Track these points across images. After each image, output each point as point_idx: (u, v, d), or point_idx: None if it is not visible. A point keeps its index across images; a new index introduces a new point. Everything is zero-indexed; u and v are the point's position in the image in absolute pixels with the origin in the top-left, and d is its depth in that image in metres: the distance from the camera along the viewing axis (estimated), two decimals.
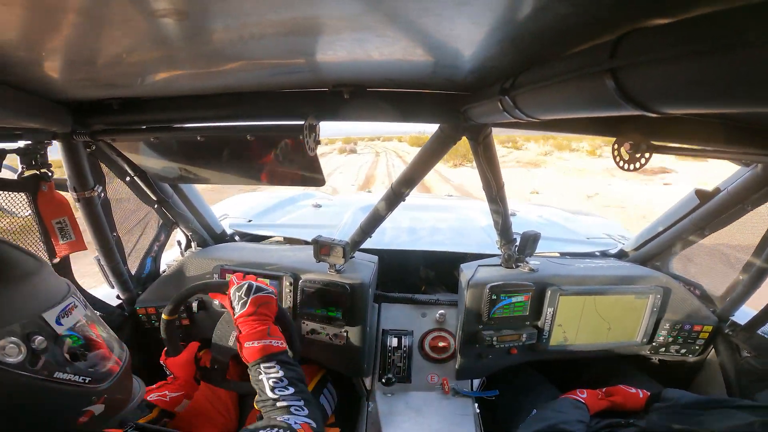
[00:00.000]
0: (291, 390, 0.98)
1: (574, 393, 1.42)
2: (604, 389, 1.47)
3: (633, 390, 1.42)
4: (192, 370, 1.41)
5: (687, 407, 1.22)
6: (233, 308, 1.17)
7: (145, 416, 1.22)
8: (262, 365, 1.04)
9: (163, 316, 1.34)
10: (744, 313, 1.63)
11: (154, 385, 1.38)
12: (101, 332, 0.76)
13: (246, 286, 1.18)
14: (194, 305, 1.66)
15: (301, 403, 0.96)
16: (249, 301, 1.15)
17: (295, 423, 0.87)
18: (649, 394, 1.38)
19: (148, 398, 1.28)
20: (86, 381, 0.67)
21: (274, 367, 1.03)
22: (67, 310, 0.67)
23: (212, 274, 1.66)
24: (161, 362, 1.41)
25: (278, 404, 0.95)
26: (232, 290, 1.19)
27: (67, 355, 0.65)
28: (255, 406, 1.00)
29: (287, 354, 1.10)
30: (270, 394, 0.97)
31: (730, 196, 1.43)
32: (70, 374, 0.64)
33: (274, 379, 1.00)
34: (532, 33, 0.58)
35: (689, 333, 1.66)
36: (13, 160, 1.17)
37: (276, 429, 0.82)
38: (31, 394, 0.61)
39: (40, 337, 0.61)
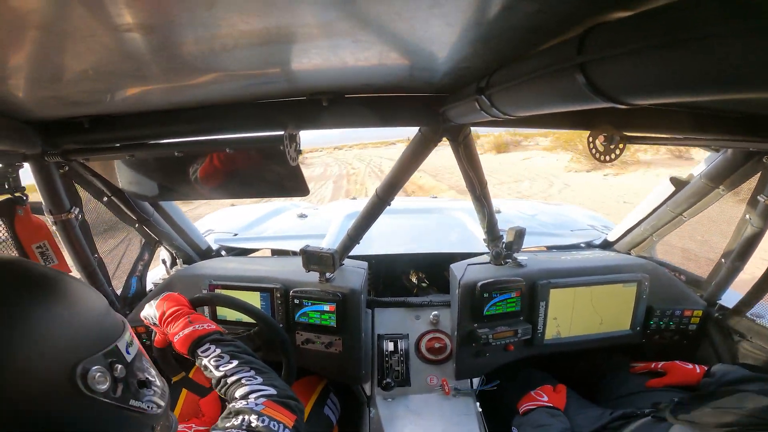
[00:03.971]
0: (234, 363, 0.95)
1: (532, 399, 1.43)
2: (661, 364, 1.51)
3: (689, 366, 1.45)
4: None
5: (725, 384, 1.28)
6: (155, 325, 1.16)
7: None
8: (197, 351, 1.01)
9: (173, 379, 1.33)
10: (730, 296, 1.66)
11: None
12: (149, 362, 0.77)
13: (146, 305, 1.19)
14: None
15: (251, 372, 0.93)
16: (154, 308, 1.15)
17: (256, 403, 0.83)
18: (705, 369, 1.41)
19: None
20: (152, 408, 0.69)
21: (210, 347, 1.00)
22: (131, 340, 0.69)
23: (201, 290, 1.63)
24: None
25: (228, 380, 0.92)
26: (142, 318, 1.18)
27: (137, 384, 0.67)
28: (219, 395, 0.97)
29: (219, 333, 1.07)
30: (216, 373, 0.94)
31: (703, 182, 1.48)
32: (140, 402, 0.66)
33: (214, 358, 0.97)
34: (503, 32, 0.60)
35: (680, 318, 1.69)
36: None
37: (240, 417, 0.78)
38: (109, 421, 0.62)
39: (120, 365, 0.63)
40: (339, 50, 0.68)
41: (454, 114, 0.98)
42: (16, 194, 1.18)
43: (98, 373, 0.59)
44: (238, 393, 0.87)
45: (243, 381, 0.90)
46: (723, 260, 1.56)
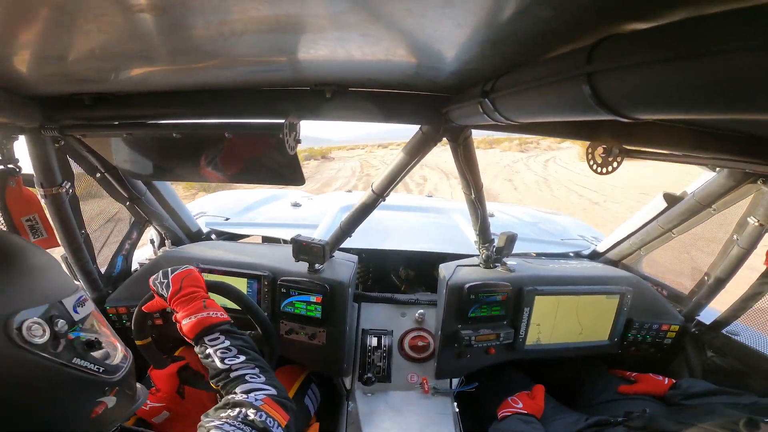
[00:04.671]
0: (242, 358, 0.94)
1: (508, 406, 1.46)
2: (634, 374, 1.60)
3: (659, 377, 1.54)
4: (175, 384, 1.38)
5: (690, 396, 1.36)
6: (161, 296, 1.10)
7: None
8: (205, 338, 0.98)
9: (136, 342, 1.28)
10: (709, 314, 1.69)
11: None
12: (107, 327, 0.78)
13: (161, 272, 1.12)
14: None
15: (256, 370, 0.92)
16: (170, 280, 1.09)
17: (256, 398, 0.83)
18: (673, 381, 1.49)
19: None
20: (100, 370, 0.69)
21: (219, 337, 0.98)
22: (81, 300, 0.70)
23: None
24: (148, 374, 1.36)
25: (232, 374, 0.90)
26: (151, 282, 1.13)
27: (84, 344, 0.68)
28: (212, 385, 0.95)
29: (230, 324, 1.04)
30: (220, 365, 0.92)
31: (696, 200, 1.50)
32: (86, 362, 0.67)
33: (221, 350, 0.95)
34: (513, 36, 0.60)
35: (657, 332, 1.72)
36: None
37: (237, 410, 0.78)
38: (51, 377, 0.62)
39: (62, 321, 0.64)
40: (346, 43, 0.67)
41: (456, 115, 0.98)
42: (9, 165, 1.16)
43: (34, 325, 0.59)
44: (240, 389, 0.87)
45: (247, 378, 0.90)
46: (706, 278, 1.59)
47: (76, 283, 0.74)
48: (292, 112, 1.01)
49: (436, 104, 1.06)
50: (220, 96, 1.04)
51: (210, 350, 0.96)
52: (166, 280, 1.09)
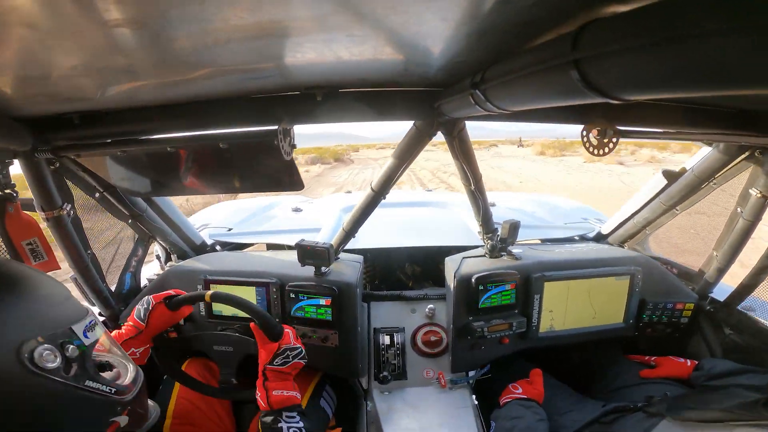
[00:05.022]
0: None
1: (509, 392, 1.46)
2: (654, 358, 1.58)
3: (681, 360, 1.51)
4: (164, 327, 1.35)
5: (714, 377, 1.35)
6: (273, 358, 1.18)
7: None
8: (284, 413, 1.09)
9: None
10: (722, 289, 1.67)
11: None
12: (119, 348, 0.81)
13: (297, 350, 1.21)
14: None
15: None
16: (291, 363, 1.19)
17: None
18: (695, 363, 1.47)
19: None
20: (112, 391, 0.71)
21: (295, 417, 1.09)
22: (91, 325, 0.72)
23: (197, 286, 1.63)
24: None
25: None
26: (284, 347, 1.20)
27: (95, 366, 0.70)
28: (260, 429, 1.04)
29: (301, 407, 1.15)
30: None
31: (695, 176, 1.49)
32: (98, 383, 0.69)
33: (294, 429, 1.06)
34: (498, 26, 0.59)
35: (672, 311, 1.70)
36: None
37: None
38: (65, 400, 0.64)
39: (72, 346, 0.66)
40: (333, 44, 0.67)
41: (448, 108, 0.97)
42: (6, 191, 1.16)
43: (46, 351, 0.61)
44: None
45: None
46: (714, 253, 1.58)
47: (87, 307, 0.75)
48: (285, 117, 1.01)
49: (428, 99, 1.06)
50: (211, 107, 1.04)
51: (283, 424, 1.07)
52: (290, 360, 1.19)
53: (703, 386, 1.37)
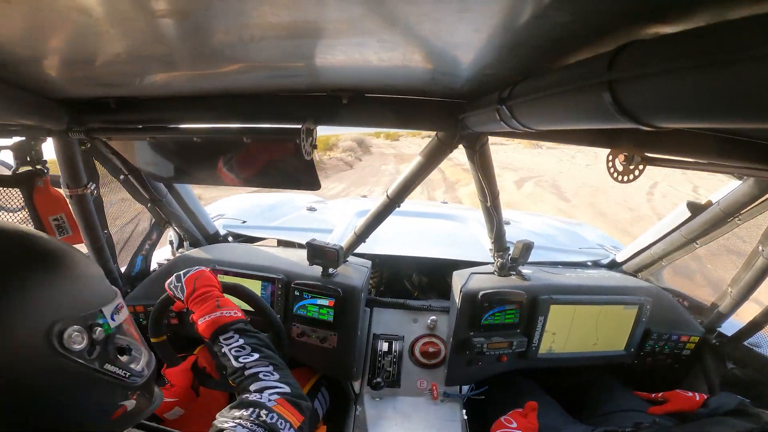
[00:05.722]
0: (255, 356, 0.96)
1: (502, 426, 1.39)
2: (660, 394, 1.50)
3: (689, 393, 1.44)
4: (189, 379, 1.39)
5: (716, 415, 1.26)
6: (178, 299, 1.13)
7: None
8: (220, 337, 1.00)
9: (152, 339, 1.32)
10: (731, 325, 1.65)
11: None
12: (136, 332, 0.79)
13: (174, 276, 1.15)
14: None
15: (270, 368, 0.93)
16: (183, 283, 1.12)
17: (269, 399, 0.85)
18: (705, 397, 1.40)
19: None
20: (127, 376, 0.70)
21: (233, 336, 1.00)
22: (118, 308, 0.71)
23: None
24: (162, 372, 1.39)
25: (246, 372, 0.92)
26: (166, 286, 1.16)
27: (115, 350, 0.69)
28: (230, 383, 0.97)
29: (244, 322, 1.05)
30: (235, 364, 0.94)
31: (721, 210, 1.45)
32: (116, 367, 0.68)
33: (235, 348, 0.97)
34: (531, 42, 0.59)
35: (676, 343, 1.69)
36: None
37: (251, 409, 0.80)
38: (81, 382, 0.64)
39: (100, 329, 0.65)
40: (363, 49, 0.68)
41: (472, 122, 0.97)
42: (38, 167, 1.20)
43: (75, 332, 0.61)
44: (253, 387, 0.88)
45: (260, 376, 0.91)
46: (729, 289, 1.55)
47: (115, 288, 0.74)
48: (309, 117, 1.03)
49: (453, 111, 1.05)
50: (238, 101, 1.06)
51: (225, 349, 0.97)
52: (180, 284, 1.12)
53: (698, 417, 1.32)
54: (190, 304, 1.09)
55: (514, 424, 1.39)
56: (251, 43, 0.64)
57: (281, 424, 0.79)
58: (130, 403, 0.72)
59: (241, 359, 0.95)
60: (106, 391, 0.68)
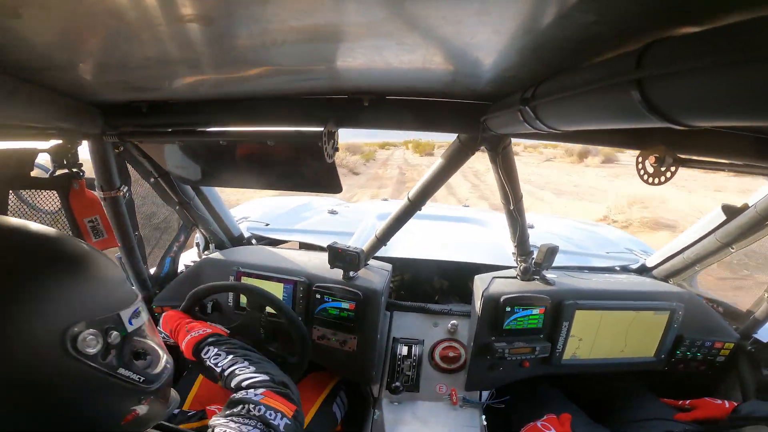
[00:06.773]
0: (230, 357, 1.05)
1: (537, 430, 1.36)
2: (688, 401, 1.48)
3: (718, 401, 1.42)
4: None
5: (751, 420, 1.25)
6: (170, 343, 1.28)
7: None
8: (201, 354, 1.11)
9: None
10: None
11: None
12: (157, 334, 0.80)
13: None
14: (209, 306, 1.68)
15: (245, 363, 1.01)
16: (162, 329, 1.30)
17: (255, 393, 0.89)
18: (734, 404, 1.38)
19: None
20: (141, 380, 0.70)
21: (208, 349, 1.11)
22: (137, 312, 0.71)
23: (229, 276, 1.69)
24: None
25: (225, 373, 1.01)
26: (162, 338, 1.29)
27: (131, 354, 0.69)
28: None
29: (217, 335, 1.18)
30: (217, 370, 1.04)
31: (758, 213, 1.37)
32: (130, 372, 0.68)
33: (213, 357, 1.08)
34: (554, 42, 0.58)
35: (709, 350, 1.63)
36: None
37: (240, 406, 0.84)
38: (92, 386, 0.63)
39: (116, 333, 0.65)
40: (384, 51, 0.68)
41: (495, 123, 0.96)
42: (74, 170, 1.26)
43: (90, 336, 0.60)
44: (233, 383, 0.95)
45: (236, 371, 0.98)
46: (766, 294, 1.49)
47: (136, 291, 0.75)
48: (331, 120, 1.04)
49: (475, 112, 1.04)
50: (261, 104, 1.08)
51: (208, 362, 1.08)
52: (163, 333, 1.30)
53: (729, 425, 1.28)
54: (175, 340, 1.25)
55: (553, 431, 1.36)
56: (273, 47, 0.65)
57: (270, 414, 0.82)
58: (141, 408, 0.72)
59: (219, 364, 1.04)
60: (117, 396, 0.67)
